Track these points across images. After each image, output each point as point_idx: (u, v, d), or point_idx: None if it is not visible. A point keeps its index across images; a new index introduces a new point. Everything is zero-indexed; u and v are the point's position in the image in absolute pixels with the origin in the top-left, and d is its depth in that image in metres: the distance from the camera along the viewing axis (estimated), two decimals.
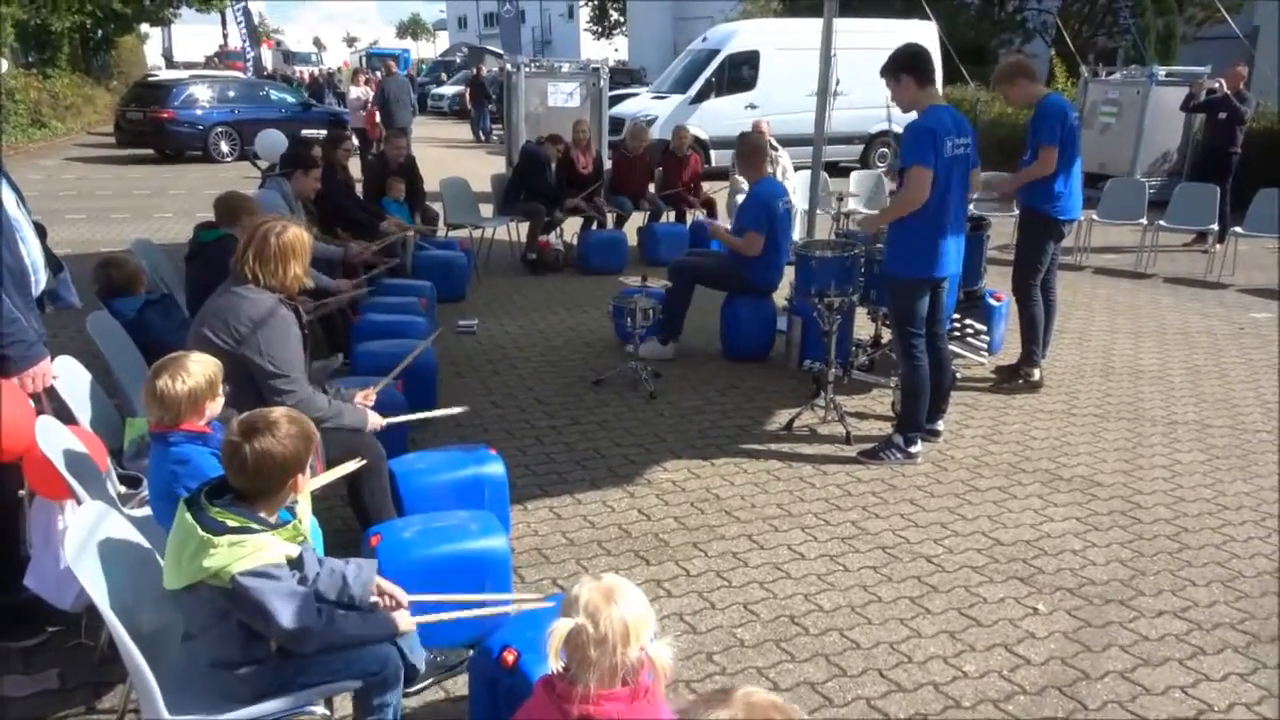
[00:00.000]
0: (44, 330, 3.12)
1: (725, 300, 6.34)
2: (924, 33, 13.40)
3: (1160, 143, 12.39)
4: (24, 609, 3.02)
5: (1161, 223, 9.30)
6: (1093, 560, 3.77)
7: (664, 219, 9.81)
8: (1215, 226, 9.31)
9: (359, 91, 17.38)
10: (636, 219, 9.83)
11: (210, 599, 2.11)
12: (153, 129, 17.66)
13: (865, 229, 5.62)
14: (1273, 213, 8.68)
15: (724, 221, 8.93)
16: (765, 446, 4.88)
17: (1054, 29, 19.95)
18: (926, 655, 3.14)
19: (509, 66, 12.01)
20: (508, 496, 3.68)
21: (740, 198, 6.99)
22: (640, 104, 16.71)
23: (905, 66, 4.46)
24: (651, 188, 10.00)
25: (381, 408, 3.64)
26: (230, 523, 2.10)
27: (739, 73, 15.78)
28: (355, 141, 13.80)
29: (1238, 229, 8.97)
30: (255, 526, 2.13)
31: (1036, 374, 5.77)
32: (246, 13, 27.79)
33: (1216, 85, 10.35)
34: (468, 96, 24.83)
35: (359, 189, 8.09)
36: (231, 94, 18.71)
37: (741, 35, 16.26)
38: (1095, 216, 9.39)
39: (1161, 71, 12.55)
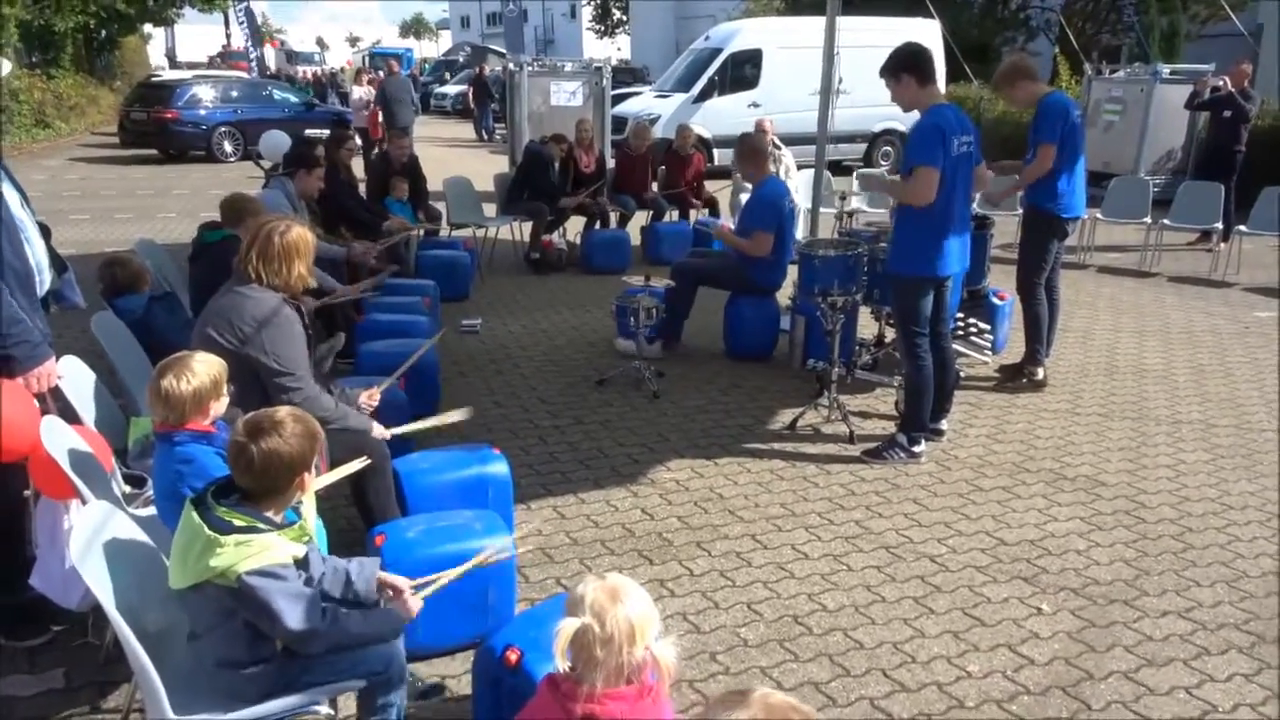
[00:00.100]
0: (49, 330, 3.13)
1: (728, 299, 6.34)
2: (927, 31, 13.38)
3: (1164, 141, 12.36)
4: (29, 608, 3.03)
5: (1166, 221, 9.28)
6: (1097, 560, 3.76)
7: (667, 218, 9.80)
8: (1219, 225, 9.29)
9: (362, 91, 17.40)
10: (639, 218, 9.83)
11: (216, 598, 2.11)
12: (156, 129, 17.70)
13: (870, 188, 5.58)
14: (1277, 211, 8.66)
15: (726, 221, 8.93)
16: (769, 446, 4.88)
17: (1058, 27, 19.91)
18: (930, 655, 3.14)
19: (512, 66, 12.02)
20: (511, 496, 3.68)
21: (743, 197, 6.99)
22: (643, 103, 16.70)
23: (906, 66, 4.44)
24: (654, 187, 10.00)
25: (385, 407, 3.65)
26: (237, 522, 2.10)
27: (742, 71, 15.77)
28: (358, 141, 13.82)
29: (1242, 227, 8.95)
30: (262, 526, 2.13)
31: (1040, 373, 5.76)
32: (249, 13, 27.83)
33: (1221, 83, 10.33)
34: (471, 96, 24.87)
35: (362, 189, 8.10)
36: (235, 94, 18.74)
37: (744, 34, 16.25)
38: (1099, 215, 9.37)
39: (1166, 69, 12.52)
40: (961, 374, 5.49)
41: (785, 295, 6.46)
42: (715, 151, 14.52)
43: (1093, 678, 3.02)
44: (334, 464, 3.00)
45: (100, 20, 24.59)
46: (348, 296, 5.42)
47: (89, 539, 2.22)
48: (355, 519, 3.54)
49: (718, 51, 15.97)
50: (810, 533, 3.98)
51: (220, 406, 2.70)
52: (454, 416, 3.71)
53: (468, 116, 25.71)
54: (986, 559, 3.77)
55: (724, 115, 15.07)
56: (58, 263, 3.49)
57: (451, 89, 31.88)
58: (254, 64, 27.61)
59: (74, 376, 3.36)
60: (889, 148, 16.22)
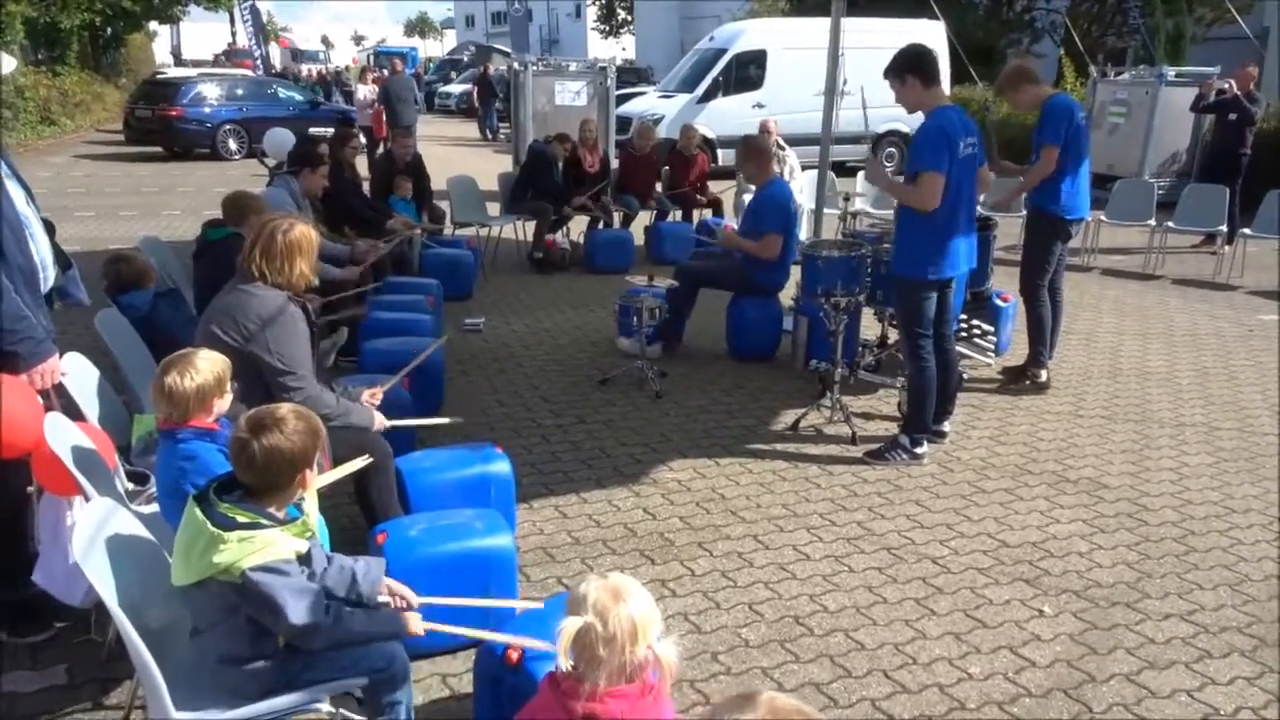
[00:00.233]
0: (53, 327, 3.13)
1: (731, 300, 6.33)
2: (932, 32, 13.39)
3: (1169, 143, 12.34)
4: (32, 605, 3.04)
5: (1170, 224, 9.26)
6: (1099, 563, 3.76)
7: (670, 218, 9.81)
8: (1224, 228, 9.27)
9: (366, 90, 17.42)
10: (643, 218, 9.83)
11: (219, 594, 2.11)
12: (161, 127, 17.72)
13: (873, 180, 5.59)
14: None
15: (730, 221, 8.93)
16: (771, 446, 4.88)
17: (1063, 29, 19.87)
18: (931, 657, 3.13)
19: (516, 65, 12.03)
20: (513, 495, 3.69)
21: (747, 198, 6.99)
22: (647, 103, 16.70)
23: (910, 67, 4.44)
24: (658, 187, 10.01)
25: (389, 406, 3.65)
26: (240, 518, 2.11)
27: (746, 72, 15.76)
28: (362, 140, 13.83)
29: (1247, 230, 8.94)
30: (265, 522, 2.13)
31: (1043, 375, 5.75)
32: (254, 11, 27.85)
33: (1226, 86, 10.31)
34: (475, 95, 24.86)
35: (366, 187, 8.11)
36: (240, 92, 18.77)
37: (749, 34, 16.25)
38: (1103, 217, 9.35)
39: (1171, 72, 12.50)
40: (964, 376, 5.48)
41: (788, 296, 6.46)
42: (719, 152, 14.52)
43: (1094, 680, 3.02)
44: (337, 461, 3.01)
45: (106, 17, 24.67)
46: (350, 291, 5.43)
47: (92, 535, 2.23)
48: (358, 517, 3.55)
49: (722, 52, 15.97)
50: (812, 533, 3.97)
51: (224, 404, 2.71)
52: (444, 419, 3.69)
53: (472, 116, 25.72)
54: (988, 561, 3.77)
55: (728, 116, 15.06)
56: (62, 259, 3.49)
57: (456, 88, 31.90)
58: (259, 62, 27.64)
59: (78, 373, 3.36)
60: (893, 149, 16.21)
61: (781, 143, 9.44)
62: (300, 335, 3.23)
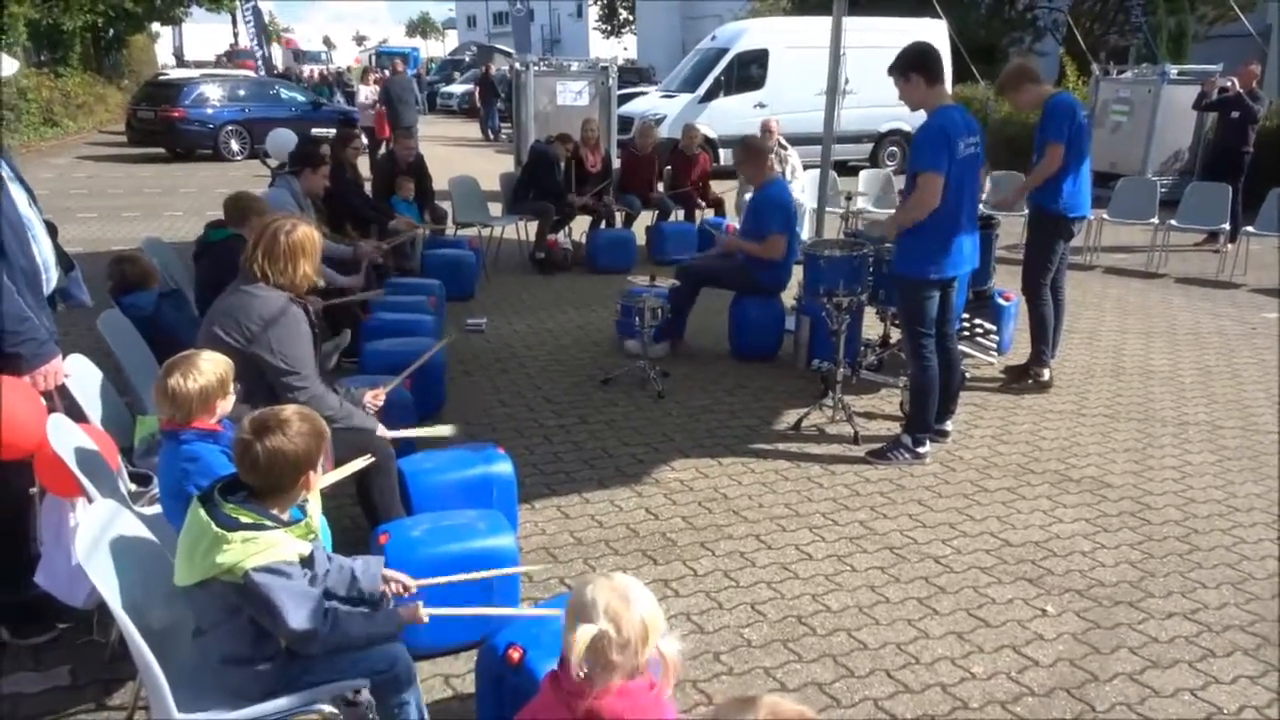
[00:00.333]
0: (55, 328, 3.14)
1: (733, 300, 6.33)
2: (934, 31, 13.39)
3: (1172, 142, 12.33)
4: (35, 606, 3.04)
5: (1173, 222, 9.25)
6: (1102, 562, 3.76)
7: (672, 218, 9.80)
8: (1227, 226, 9.25)
9: (368, 90, 17.43)
10: (645, 218, 9.83)
11: (222, 595, 2.11)
12: (164, 128, 17.75)
13: (876, 233, 5.60)
14: None
15: (732, 221, 8.93)
16: (773, 446, 4.88)
17: (1065, 27, 19.85)
18: (934, 656, 3.13)
19: (518, 65, 12.04)
20: (515, 495, 3.69)
21: (748, 197, 6.98)
22: (649, 103, 16.70)
23: (914, 65, 4.44)
24: (660, 186, 10.01)
25: (391, 407, 3.65)
26: (244, 519, 2.11)
27: (748, 71, 15.75)
28: (364, 140, 13.84)
29: (1249, 229, 8.93)
30: (268, 523, 2.14)
31: (1046, 374, 5.75)
32: (256, 12, 27.87)
33: (1229, 84, 10.29)
34: (477, 95, 24.86)
35: (368, 187, 8.12)
36: (242, 93, 18.79)
37: (750, 34, 16.24)
38: (1106, 216, 9.35)
39: (1173, 70, 12.48)
40: (967, 375, 5.48)
41: (790, 296, 6.46)
42: (721, 151, 14.52)
43: (1097, 679, 3.01)
44: (339, 463, 3.01)
45: (108, 19, 24.70)
46: (355, 295, 5.43)
47: (94, 537, 2.23)
48: (360, 518, 3.55)
49: (724, 51, 15.97)
50: (814, 533, 3.97)
51: (227, 405, 2.71)
52: (443, 430, 3.66)
53: (474, 116, 25.70)
54: (991, 560, 3.77)
55: (730, 115, 15.06)
56: (65, 261, 3.50)
57: (458, 88, 31.90)
58: (261, 63, 27.67)
59: (80, 374, 3.37)
60: (895, 148, 16.20)
61: (784, 142, 9.44)
62: (303, 336, 3.23)
